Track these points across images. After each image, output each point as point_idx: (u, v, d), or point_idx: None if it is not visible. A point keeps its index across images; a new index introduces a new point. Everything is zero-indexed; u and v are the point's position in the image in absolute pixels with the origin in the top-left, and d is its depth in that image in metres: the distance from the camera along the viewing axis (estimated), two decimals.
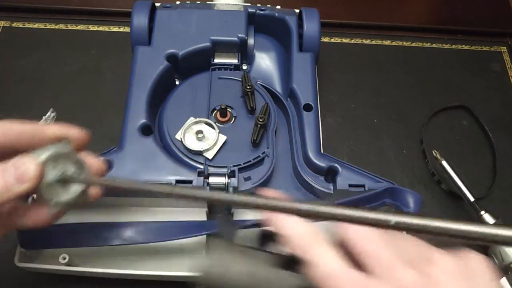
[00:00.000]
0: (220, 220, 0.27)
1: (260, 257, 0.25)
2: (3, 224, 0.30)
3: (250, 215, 0.38)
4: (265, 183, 0.42)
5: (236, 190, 0.40)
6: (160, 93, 0.45)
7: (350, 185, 0.40)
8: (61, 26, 0.61)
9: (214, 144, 0.41)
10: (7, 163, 0.27)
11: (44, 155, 0.27)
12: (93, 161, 0.31)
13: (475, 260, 0.23)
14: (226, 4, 0.52)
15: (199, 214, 0.40)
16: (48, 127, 0.30)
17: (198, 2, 0.52)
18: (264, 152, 0.42)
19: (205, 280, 0.25)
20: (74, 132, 0.31)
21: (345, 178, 0.40)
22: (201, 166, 0.40)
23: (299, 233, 0.24)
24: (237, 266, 0.25)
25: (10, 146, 0.28)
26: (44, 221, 0.30)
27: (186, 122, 0.42)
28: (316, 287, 0.23)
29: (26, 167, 0.27)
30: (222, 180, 0.39)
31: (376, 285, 0.22)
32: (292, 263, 0.25)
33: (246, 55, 0.49)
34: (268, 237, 0.26)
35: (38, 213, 0.30)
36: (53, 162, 0.28)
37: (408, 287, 0.21)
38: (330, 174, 0.41)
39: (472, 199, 0.46)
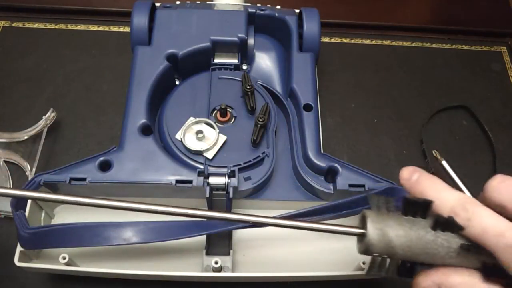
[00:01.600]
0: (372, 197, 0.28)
1: (414, 222, 0.26)
2: None
3: None
4: (265, 183, 0.42)
5: (236, 190, 0.40)
6: (160, 93, 0.45)
7: (350, 185, 0.40)
8: (61, 26, 0.61)
9: (214, 144, 0.41)
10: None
11: None
12: None
13: None
14: (226, 4, 0.52)
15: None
16: None
17: (198, 2, 0.52)
18: (264, 152, 0.42)
19: (365, 248, 0.26)
20: None
21: (345, 178, 0.40)
22: (201, 166, 0.40)
23: (453, 196, 0.25)
24: (393, 231, 0.26)
25: None
26: None
27: (186, 122, 0.42)
28: (478, 244, 0.24)
29: None
30: (222, 180, 0.39)
31: None
32: (447, 225, 0.25)
33: (246, 55, 0.49)
34: (412, 205, 0.26)
35: None
36: None
37: None
38: (330, 174, 0.41)
39: None
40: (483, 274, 0.25)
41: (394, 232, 0.26)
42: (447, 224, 0.25)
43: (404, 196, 0.26)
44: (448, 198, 0.26)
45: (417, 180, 0.27)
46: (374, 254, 0.27)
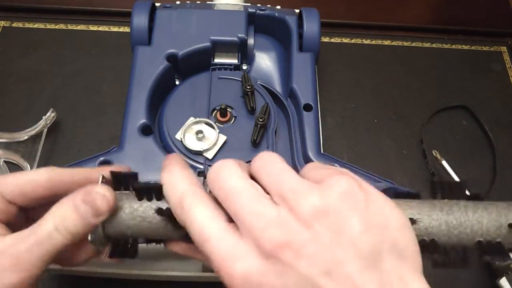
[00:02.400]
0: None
1: (147, 205, 0.26)
2: (59, 259, 0.28)
3: None
4: None
5: None
6: (160, 93, 0.45)
7: None
8: (61, 26, 0.61)
9: (214, 144, 0.41)
10: (75, 197, 0.25)
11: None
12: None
13: (334, 185, 0.22)
14: (226, 4, 0.52)
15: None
16: (95, 171, 0.28)
17: (198, 2, 0.52)
18: None
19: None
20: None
21: None
22: (201, 166, 0.40)
23: (181, 187, 0.24)
24: (125, 214, 0.26)
25: (54, 193, 0.26)
26: (87, 258, 0.29)
27: (186, 122, 0.42)
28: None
29: (104, 198, 0.25)
30: None
31: (242, 250, 0.21)
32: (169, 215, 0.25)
33: (246, 55, 0.49)
34: (144, 191, 0.26)
35: (85, 250, 0.28)
36: None
37: (270, 250, 0.21)
38: None
39: None
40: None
41: (124, 216, 0.26)
42: (169, 215, 0.25)
43: (133, 183, 0.26)
44: (176, 190, 0.24)
45: (163, 165, 0.27)
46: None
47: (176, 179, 0.25)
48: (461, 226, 0.25)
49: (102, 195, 0.25)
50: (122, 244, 0.28)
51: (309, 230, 0.21)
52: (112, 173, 0.26)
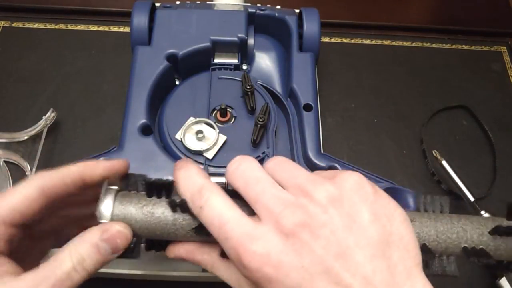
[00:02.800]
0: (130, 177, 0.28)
1: (157, 201, 0.27)
2: None
3: None
4: None
5: None
6: (160, 93, 0.45)
7: None
8: (61, 26, 0.61)
9: (214, 144, 0.41)
10: (93, 235, 0.25)
11: (117, 211, 0.26)
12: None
13: (346, 179, 0.24)
14: (226, 4, 0.52)
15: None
16: (97, 166, 0.27)
17: (198, 2, 0.52)
18: (264, 152, 0.42)
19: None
20: (118, 165, 0.28)
21: None
22: (201, 166, 0.40)
23: (198, 181, 0.25)
24: (135, 209, 0.26)
25: (52, 201, 0.26)
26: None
27: (186, 122, 0.42)
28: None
29: (122, 234, 0.25)
30: (222, 180, 0.39)
31: (263, 233, 0.22)
32: (183, 207, 0.26)
33: (246, 55, 0.49)
34: (154, 186, 0.27)
35: None
36: None
37: (290, 229, 0.22)
38: None
39: (472, 199, 0.46)
40: (221, 253, 0.26)
41: (134, 212, 0.26)
42: (182, 207, 0.26)
43: (145, 178, 0.27)
44: (194, 182, 0.25)
45: (177, 166, 0.27)
46: None
47: (195, 174, 0.26)
48: (448, 232, 0.26)
49: (120, 231, 0.25)
50: (154, 243, 0.28)
51: (325, 214, 0.22)
52: (147, 182, 0.26)
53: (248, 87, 0.44)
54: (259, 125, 0.42)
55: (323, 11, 0.51)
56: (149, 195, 0.27)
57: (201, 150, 0.40)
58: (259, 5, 0.51)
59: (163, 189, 0.26)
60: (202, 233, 0.25)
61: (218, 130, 0.41)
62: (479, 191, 0.50)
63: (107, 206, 0.26)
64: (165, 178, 0.26)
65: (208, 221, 0.24)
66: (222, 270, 0.26)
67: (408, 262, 0.22)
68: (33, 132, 0.50)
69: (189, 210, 0.25)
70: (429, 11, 0.68)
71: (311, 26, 0.49)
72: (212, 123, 0.42)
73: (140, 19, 0.47)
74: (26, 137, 0.50)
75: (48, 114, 0.51)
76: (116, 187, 0.28)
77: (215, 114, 0.43)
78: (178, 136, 0.42)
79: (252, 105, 0.43)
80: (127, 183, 0.28)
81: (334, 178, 0.24)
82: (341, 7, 0.66)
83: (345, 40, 0.63)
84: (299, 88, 0.45)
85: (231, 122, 0.43)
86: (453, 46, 0.63)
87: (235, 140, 0.42)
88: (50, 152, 0.50)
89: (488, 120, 0.56)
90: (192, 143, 0.41)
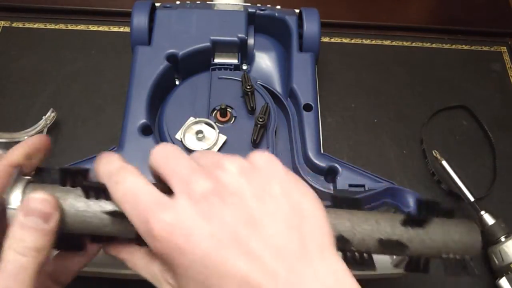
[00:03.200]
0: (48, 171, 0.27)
1: (70, 189, 0.26)
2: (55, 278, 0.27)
3: None
4: None
5: None
6: (160, 93, 0.45)
7: (350, 185, 0.40)
8: (61, 26, 0.61)
9: (214, 144, 0.41)
10: (17, 217, 0.23)
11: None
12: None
13: (258, 156, 0.25)
14: (226, 4, 0.52)
15: None
16: (10, 156, 0.26)
17: (198, 2, 0.52)
18: None
19: None
20: (36, 143, 0.27)
21: (345, 178, 0.40)
22: None
23: (114, 164, 0.25)
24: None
25: None
26: (81, 266, 0.28)
27: (186, 122, 0.42)
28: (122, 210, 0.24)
29: (43, 201, 0.24)
30: None
31: (174, 203, 0.22)
32: (98, 191, 0.25)
33: (246, 55, 0.49)
34: (68, 174, 0.26)
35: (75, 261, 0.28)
36: None
37: (200, 196, 0.22)
38: (330, 174, 0.41)
39: (472, 199, 0.46)
40: (136, 237, 0.24)
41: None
42: (98, 190, 0.25)
43: (60, 167, 0.26)
44: (115, 164, 0.25)
45: (100, 156, 0.26)
46: None
47: (116, 159, 0.25)
48: (363, 223, 0.27)
49: (35, 198, 0.24)
50: (67, 238, 0.26)
51: (236, 182, 0.23)
52: (61, 169, 0.26)
53: (248, 87, 0.44)
54: (259, 125, 0.42)
55: (323, 11, 0.51)
56: (63, 183, 0.25)
57: (201, 150, 0.40)
58: (259, 5, 0.51)
59: (78, 176, 0.25)
60: (116, 216, 0.24)
61: (218, 130, 0.41)
62: (479, 191, 0.50)
63: (16, 195, 0.25)
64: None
65: (121, 197, 0.23)
66: (139, 264, 0.26)
67: (321, 239, 0.22)
68: (33, 132, 0.50)
69: (104, 194, 0.24)
70: (429, 11, 0.68)
71: (311, 26, 0.49)
72: (212, 123, 0.42)
73: (140, 19, 0.47)
74: (26, 137, 0.50)
75: (48, 114, 0.51)
76: (28, 177, 0.26)
77: (215, 114, 0.43)
78: (178, 136, 0.42)
79: (252, 105, 0.43)
80: (41, 176, 0.26)
81: (247, 158, 0.25)
82: (341, 7, 0.66)
83: (345, 40, 0.63)
84: (299, 88, 0.45)
85: (231, 122, 0.43)
86: (453, 46, 0.63)
87: (235, 140, 0.42)
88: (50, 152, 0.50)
89: (488, 120, 0.56)
90: (192, 143, 0.41)
